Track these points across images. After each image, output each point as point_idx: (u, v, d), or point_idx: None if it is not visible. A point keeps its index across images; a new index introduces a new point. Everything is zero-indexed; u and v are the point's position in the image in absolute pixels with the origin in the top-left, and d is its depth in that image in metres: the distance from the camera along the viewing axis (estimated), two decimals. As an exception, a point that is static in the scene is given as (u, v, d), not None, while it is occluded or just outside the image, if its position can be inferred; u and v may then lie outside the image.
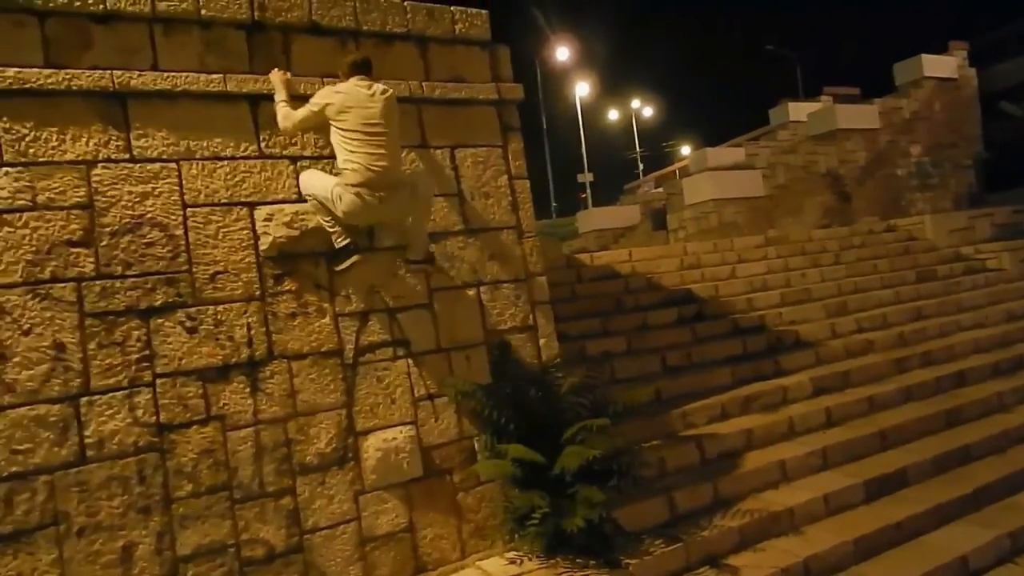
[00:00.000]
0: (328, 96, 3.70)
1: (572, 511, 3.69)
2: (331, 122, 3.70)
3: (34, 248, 3.23)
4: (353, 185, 3.63)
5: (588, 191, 27.14)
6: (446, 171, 4.39)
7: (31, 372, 3.14)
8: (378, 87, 3.77)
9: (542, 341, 4.56)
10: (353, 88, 3.72)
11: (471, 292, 4.32)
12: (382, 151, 3.67)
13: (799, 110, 16.29)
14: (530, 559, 3.82)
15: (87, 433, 3.20)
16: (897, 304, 7.74)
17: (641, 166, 32.72)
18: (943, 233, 9.83)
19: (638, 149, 34.19)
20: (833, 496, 4.49)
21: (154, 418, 3.34)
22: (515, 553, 3.90)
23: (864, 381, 6.04)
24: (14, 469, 3.05)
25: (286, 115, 3.73)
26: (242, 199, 3.74)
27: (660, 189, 17.87)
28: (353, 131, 3.64)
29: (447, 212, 4.35)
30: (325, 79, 3.98)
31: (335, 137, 3.73)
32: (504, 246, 4.54)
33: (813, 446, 4.99)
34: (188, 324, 3.50)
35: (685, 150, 30.22)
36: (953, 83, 15.10)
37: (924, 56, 14.66)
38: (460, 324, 4.22)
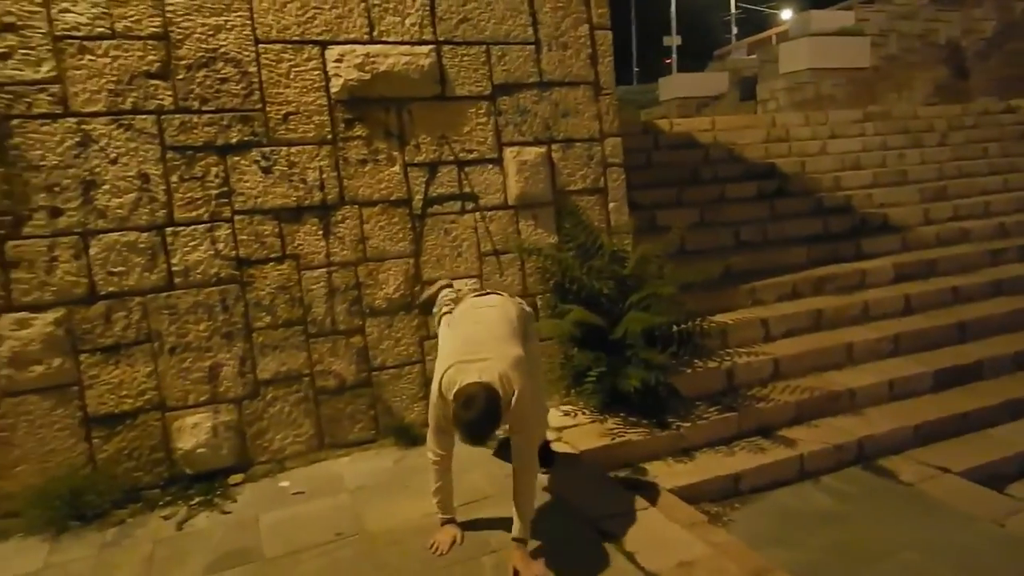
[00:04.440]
0: None
1: (628, 373, 3.75)
2: None
3: (115, 78, 3.27)
4: None
5: (674, 56, 25.33)
6: (523, 16, 4.12)
7: (120, 200, 3.29)
8: None
9: (612, 205, 4.44)
10: None
11: (542, 149, 4.18)
12: None
13: (926, -32, 14.32)
14: (584, 413, 3.96)
15: (174, 261, 3.39)
16: (1003, 192, 7.11)
17: (735, 30, 29.95)
18: (1072, 117, 8.78)
19: (733, 10, 31.18)
20: (899, 382, 4.40)
21: (234, 252, 3.49)
22: (570, 407, 4.04)
23: (952, 271, 5.71)
24: (111, 289, 3.29)
25: None
26: (313, 37, 3.63)
27: (753, 56, 16.50)
28: None
29: (522, 62, 4.13)
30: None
31: None
32: (579, 102, 4.31)
33: (885, 332, 4.84)
34: (263, 164, 3.55)
35: (787, 14, 27.42)
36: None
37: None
38: (529, 181, 4.13)
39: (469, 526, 2.74)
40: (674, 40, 25.10)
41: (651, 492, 3.26)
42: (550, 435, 3.50)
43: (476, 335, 2.57)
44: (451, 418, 2.37)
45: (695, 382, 4.17)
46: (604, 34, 4.40)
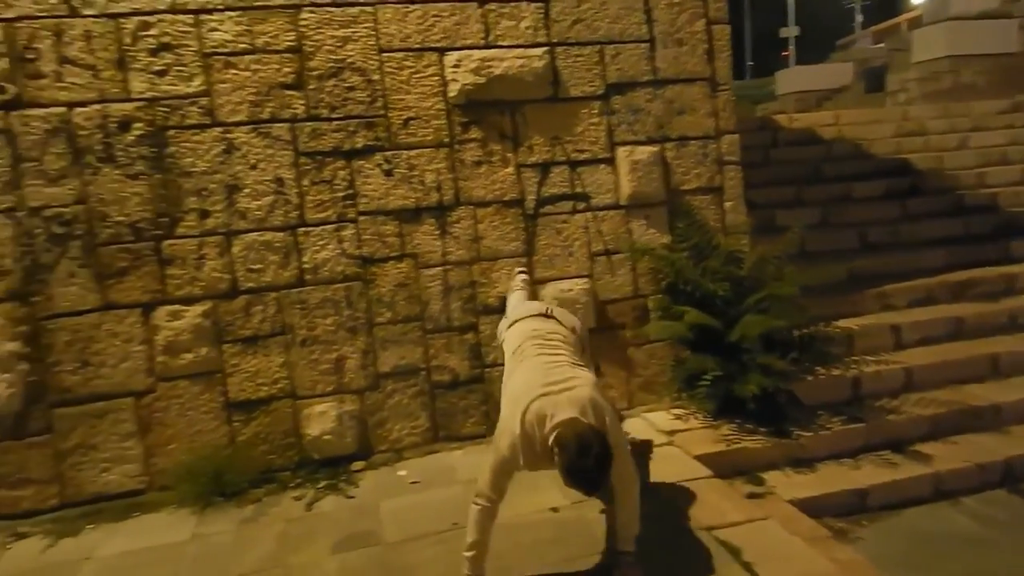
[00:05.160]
0: None
1: (745, 378, 3.62)
2: None
3: (255, 89, 3.55)
4: None
5: (791, 47, 24.09)
6: (637, 14, 4.07)
7: (259, 203, 3.57)
8: None
9: (728, 204, 4.29)
10: None
11: (655, 148, 4.12)
12: None
13: (1089, -62, 12.78)
14: (696, 418, 3.86)
15: (304, 260, 3.63)
16: None
17: (859, 18, 28.03)
18: None
19: (858, -4, 29.21)
20: (1055, 399, 3.97)
21: (358, 251, 3.69)
22: (681, 410, 3.95)
23: (1121, 276, 5.08)
24: (250, 285, 3.57)
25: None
26: (432, 44, 3.77)
27: (881, 45, 15.41)
28: None
29: (636, 60, 4.08)
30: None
31: None
32: (695, 99, 4.21)
33: (1038, 343, 4.39)
34: (385, 167, 3.72)
35: (918, -2, 25.33)
36: None
37: None
38: (642, 181, 4.08)
39: (577, 523, 2.75)
40: (791, 31, 23.87)
41: (770, 502, 3.14)
42: (660, 439, 3.44)
43: (549, 365, 2.43)
44: (543, 456, 2.18)
45: (817, 390, 3.96)
46: (721, 28, 4.27)
